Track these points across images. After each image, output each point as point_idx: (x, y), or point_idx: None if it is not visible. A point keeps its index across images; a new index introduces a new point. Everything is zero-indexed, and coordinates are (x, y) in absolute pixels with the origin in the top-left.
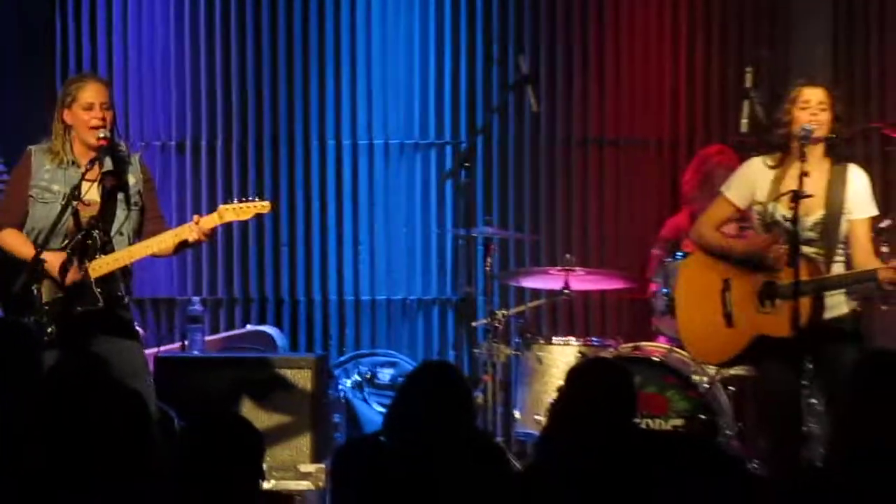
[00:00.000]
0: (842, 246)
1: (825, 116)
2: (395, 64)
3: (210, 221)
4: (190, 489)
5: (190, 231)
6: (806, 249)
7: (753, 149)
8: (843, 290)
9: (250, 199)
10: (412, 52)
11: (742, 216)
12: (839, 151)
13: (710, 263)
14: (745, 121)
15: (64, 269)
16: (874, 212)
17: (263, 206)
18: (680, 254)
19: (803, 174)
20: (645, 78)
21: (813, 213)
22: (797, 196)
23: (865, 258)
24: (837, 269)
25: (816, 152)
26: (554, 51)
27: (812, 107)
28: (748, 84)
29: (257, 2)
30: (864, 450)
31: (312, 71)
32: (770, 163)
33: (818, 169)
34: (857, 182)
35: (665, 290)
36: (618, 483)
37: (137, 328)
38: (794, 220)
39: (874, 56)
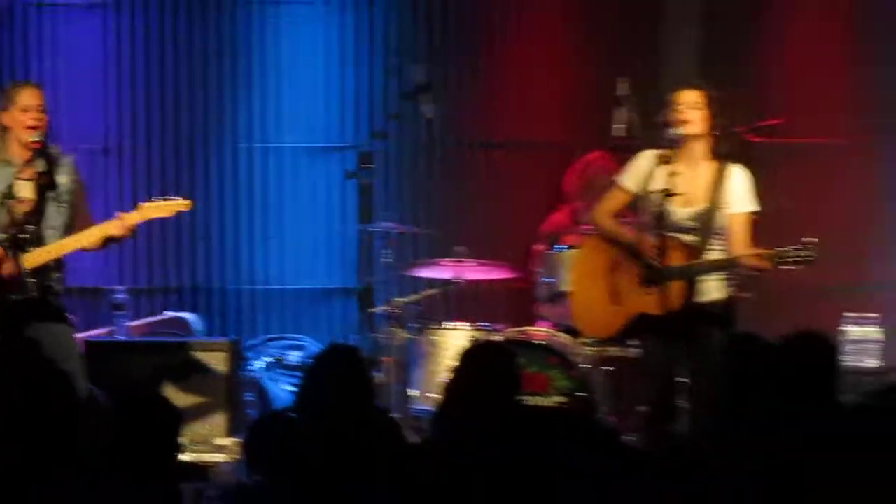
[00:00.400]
0: (719, 236)
1: (697, 115)
2: (302, 74)
3: (133, 218)
4: (113, 461)
5: (115, 227)
6: (685, 237)
7: (629, 151)
8: (717, 277)
9: (171, 197)
10: (318, 64)
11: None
12: (721, 150)
13: (602, 247)
14: (619, 126)
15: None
16: (753, 207)
17: (184, 203)
18: (560, 247)
19: (672, 173)
20: (530, 86)
21: (694, 205)
22: (667, 193)
23: (740, 248)
24: (713, 256)
25: (699, 151)
26: (447, 61)
27: (682, 109)
28: (623, 92)
29: (177, 15)
30: (729, 424)
31: (227, 81)
32: (661, 158)
33: (702, 166)
34: (738, 179)
35: (547, 280)
36: (504, 455)
37: (69, 315)
38: (661, 216)
39: (741, 68)
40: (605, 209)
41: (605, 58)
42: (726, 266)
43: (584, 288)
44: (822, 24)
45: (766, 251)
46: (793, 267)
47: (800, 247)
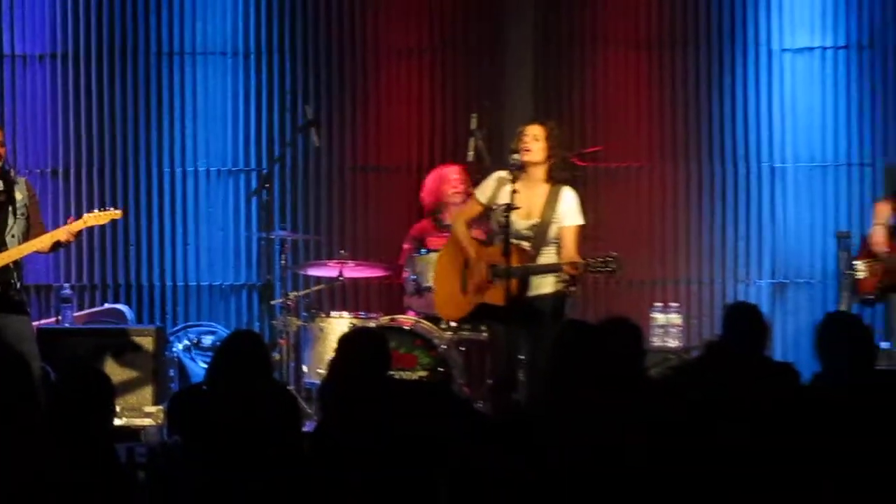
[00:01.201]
0: (553, 244)
1: (536, 146)
2: (216, 111)
3: (77, 226)
4: (59, 424)
5: (62, 233)
6: (523, 244)
7: (478, 173)
8: (545, 275)
9: (106, 209)
10: (227, 103)
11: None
12: (555, 175)
13: (458, 248)
14: (470, 153)
15: None
16: (580, 221)
17: (116, 213)
18: (424, 250)
19: (514, 192)
20: (398, 120)
21: (531, 218)
22: (509, 208)
23: (568, 255)
24: (545, 259)
25: (537, 175)
26: (331, 100)
27: (527, 139)
28: (473, 126)
29: (113, 64)
30: (558, 393)
31: (154, 117)
32: (507, 177)
33: (539, 187)
34: (568, 199)
35: (413, 277)
36: (380, 419)
37: (26, 307)
38: (507, 224)
39: (566, 105)
40: (463, 217)
41: (460, 98)
42: (551, 270)
43: (443, 280)
44: (628, 71)
45: (579, 261)
46: (600, 273)
47: (604, 260)
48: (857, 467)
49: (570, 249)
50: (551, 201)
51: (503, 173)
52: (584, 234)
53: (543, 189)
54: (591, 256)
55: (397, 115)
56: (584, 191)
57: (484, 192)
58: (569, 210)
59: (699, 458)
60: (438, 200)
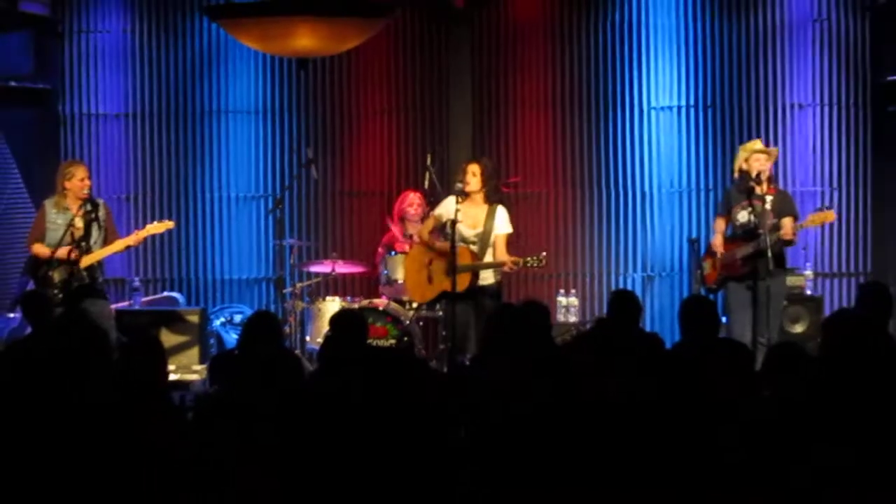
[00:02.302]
0: (491, 247)
1: (474, 179)
2: (244, 154)
3: (142, 233)
4: (127, 376)
5: (131, 240)
6: (471, 247)
7: (432, 196)
8: (491, 271)
9: (162, 220)
10: (252, 147)
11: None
12: (491, 197)
13: (423, 251)
14: (426, 182)
15: (68, 260)
16: (509, 230)
17: (170, 223)
18: (393, 252)
19: (457, 210)
20: (373, 157)
21: (476, 228)
22: (453, 223)
23: (500, 255)
24: (487, 258)
25: (479, 198)
26: (325, 145)
27: (468, 172)
28: (428, 162)
29: (170, 122)
30: (491, 353)
31: (198, 157)
32: (458, 200)
33: (480, 207)
34: (499, 214)
35: (385, 272)
36: (365, 374)
37: (106, 294)
38: (453, 234)
39: (496, 148)
40: (426, 228)
41: (418, 142)
42: (497, 265)
43: (413, 274)
44: (539, 123)
45: (517, 258)
46: (534, 267)
47: (535, 257)
48: (708, 412)
49: (502, 250)
50: (489, 216)
51: (453, 197)
52: (510, 240)
53: (483, 208)
54: (529, 255)
55: (373, 154)
56: (508, 210)
57: (441, 211)
58: (501, 222)
59: (590, 406)
60: (402, 215)
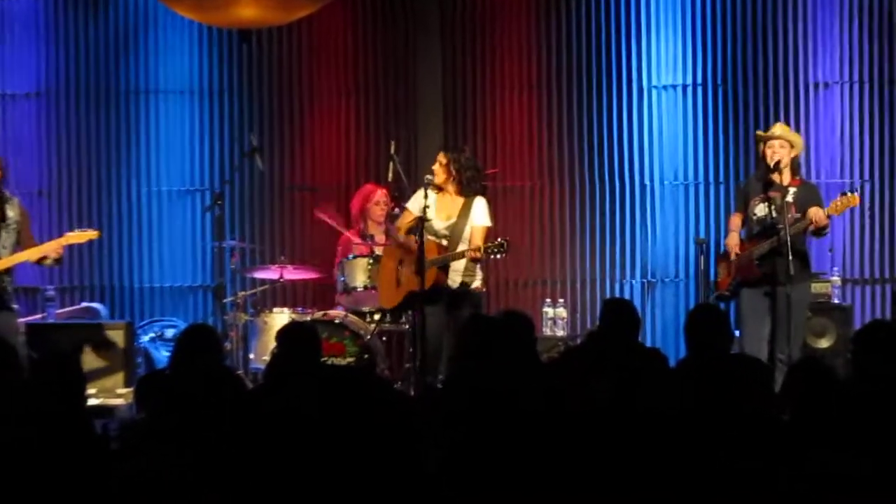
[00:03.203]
0: (466, 241)
1: (441, 169)
2: (176, 140)
3: (59, 242)
4: (37, 400)
5: (48, 248)
6: (442, 241)
7: (396, 191)
8: (471, 274)
9: (85, 229)
10: (185, 133)
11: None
12: (467, 188)
13: (394, 250)
14: (390, 174)
15: None
16: (488, 223)
17: (93, 234)
18: (351, 255)
19: (426, 206)
20: (328, 147)
21: (448, 220)
22: (421, 219)
23: (473, 246)
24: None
25: (452, 189)
26: (273, 130)
27: (437, 164)
28: (392, 151)
29: (89, 103)
30: (465, 372)
31: (123, 145)
32: (427, 192)
33: (455, 198)
34: (478, 205)
35: (342, 278)
36: (313, 397)
37: (15, 305)
38: (421, 228)
39: (471, 136)
40: (400, 225)
41: (381, 128)
42: (457, 256)
43: (383, 275)
44: (521, 107)
45: (477, 246)
46: (497, 256)
47: (495, 244)
48: (713, 431)
49: (477, 243)
50: (465, 208)
51: (422, 190)
52: (490, 235)
53: (458, 200)
54: (487, 243)
55: (328, 143)
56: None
57: (412, 205)
58: (479, 213)
59: (582, 421)
60: (363, 214)
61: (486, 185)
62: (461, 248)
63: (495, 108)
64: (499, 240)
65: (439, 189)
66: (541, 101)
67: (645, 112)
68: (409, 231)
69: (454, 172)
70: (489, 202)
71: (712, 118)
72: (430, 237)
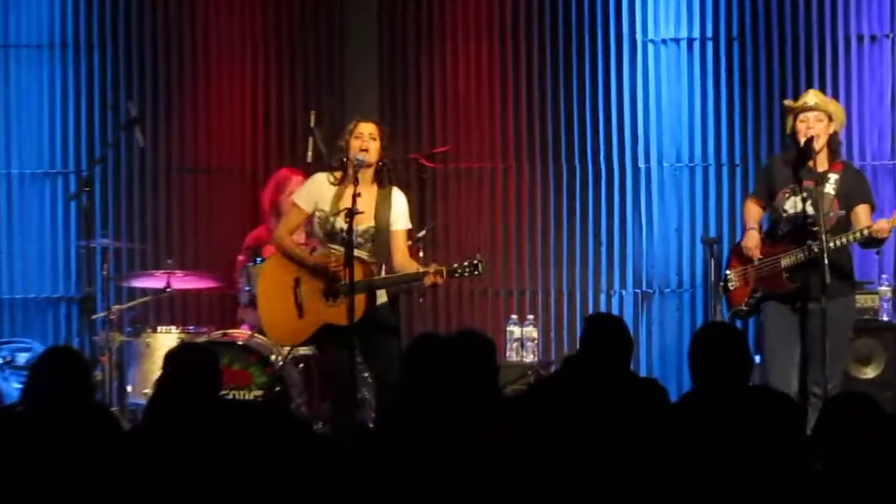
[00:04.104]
0: (385, 250)
1: (374, 146)
2: (29, 109)
3: None
4: None
5: None
6: (360, 253)
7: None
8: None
9: None
10: (43, 99)
11: (311, 225)
12: (385, 176)
13: (285, 264)
14: (309, 153)
15: None
16: (409, 225)
17: None
18: (259, 259)
19: (356, 195)
20: (230, 118)
21: (363, 224)
22: (350, 213)
23: (403, 261)
24: (385, 270)
25: (367, 176)
26: (157, 97)
27: (364, 137)
28: (312, 123)
29: None
30: (409, 410)
31: None
32: (332, 180)
33: (368, 189)
34: (398, 201)
35: (247, 288)
36: (211, 442)
37: None
38: (349, 232)
39: (412, 101)
40: (286, 227)
41: (298, 92)
42: (411, 279)
43: (271, 301)
44: (480, 63)
45: (442, 267)
46: (466, 277)
47: (469, 262)
48: (727, 486)
49: (406, 255)
50: (384, 204)
51: (325, 174)
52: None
53: (373, 191)
54: (458, 262)
55: (230, 112)
56: (433, 194)
57: (306, 198)
58: (402, 213)
59: (557, 482)
60: (276, 207)
61: (424, 175)
62: (395, 260)
63: (446, 66)
64: (475, 258)
65: (341, 177)
66: (504, 56)
67: (639, 74)
68: (327, 234)
69: (383, 153)
70: (432, 190)
71: (725, 82)
72: (335, 248)
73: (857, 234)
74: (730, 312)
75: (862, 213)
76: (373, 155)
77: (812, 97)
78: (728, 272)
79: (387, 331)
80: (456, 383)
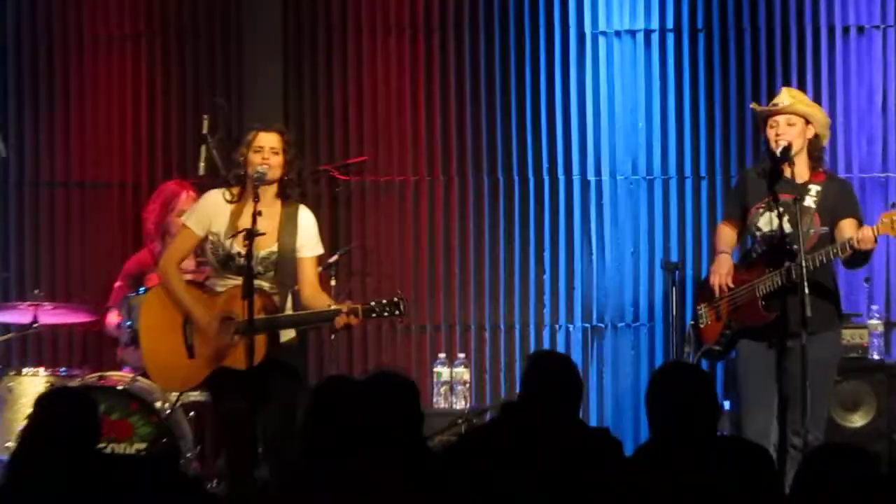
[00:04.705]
0: (290, 280)
1: (276, 160)
2: None
3: None
4: None
5: None
6: (261, 283)
7: (213, 189)
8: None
9: None
10: None
11: (202, 250)
12: (290, 192)
13: (173, 299)
14: (202, 164)
15: None
16: (321, 250)
17: None
18: (143, 288)
19: (256, 213)
20: (108, 124)
21: (264, 248)
22: (250, 234)
23: (313, 293)
24: (291, 302)
25: (269, 192)
26: (21, 99)
27: (265, 151)
28: (205, 130)
29: None
30: (315, 468)
31: None
32: (228, 197)
33: (271, 208)
34: (306, 222)
35: (128, 323)
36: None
37: None
38: (248, 257)
39: (323, 104)
40: (175, 255)
41: (189, 95)
42: (323, 319)
43: (156, 339)
44: (401, 62)
45: (357, 305)
46: (387, 317)
47: (389, 302)
48: None
49: (315, 286)
50: (289, 225)
51: (220, 191)
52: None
53: (276, 210)
54: (375, 301)
55: (107, 116)
56: (347, 212)
57: (197, 219)
58: (310, 237)
59: None
60: (162, 228)
61: (337, 189)
62: (304, 293)
63: (361, 65)
64: (396, 296)
65: (239, 194)
66: (430, 51)
67: (588, 71)
68: (222, 261)
69: (287, 166)
70: (343, 210)
71: (689, 82)
72: (231, 278)
73: (840, 248)
74: (698, 353)
75: (848, 228)
76: (276, 170)
77: (785, 97)
78: (698, 307)
79: (288, 377)
80: (371, 435)
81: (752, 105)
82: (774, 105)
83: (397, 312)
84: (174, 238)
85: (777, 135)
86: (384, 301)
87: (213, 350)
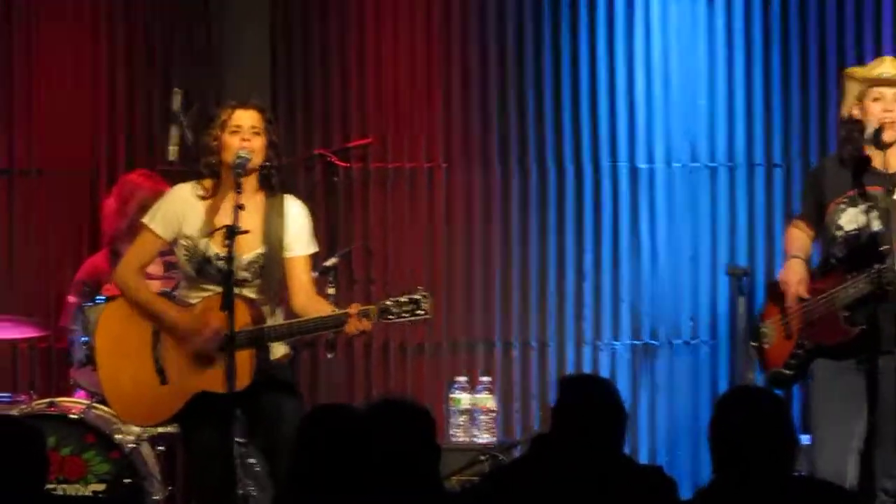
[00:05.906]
0: (287, 284)
1: (258, 142)
2: None
3: None
4: None
5: None
6: (245, 291)
7: (185, 178)
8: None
9: None
10: None
11: (171, 253)
12: (275, 181)
13: (139, 313)
14: (173, 147)
15: None
16: (315, 248)
17: None
18: (101, 298)
19: (238, 207)
20: (61, 100)
21: (249, 250)
22: (231, 232)
23: (308, 300)
24: (280, 312)
25: (250, 182)
26: None
27: (244, 131)
28: (175, 106)
29: None
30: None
31: None
32: (200, 192)
33: (252, 201)
34: (296, 215)
35: (84, 339)
36: None
37: None
38: (230, 258)
39: (318, 80)
40: (135, 262)
41: (157, 68)
42: (329, 325)
43: (116, 365)
44: (414, 27)
45: (369, 307)
46: (405, 322)
47: (409, 298)
48: None
49: (310, 291)
50: (274, 220)
51: (190, 185)
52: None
53: (258, 203)
54: (391, 299)
55: (60, 92)
56: (348, 205)
57: (163, 221)
58: (300, 232)
59: None
60: (124, 227)
61: (335, 178)
62: (297, 300)
63: (364, 31)
64: (416, 292)
65: (213, 187)
66: (449, 13)
67: (638, 40)
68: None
69: (269, 150)
70: (343, 202)
71: (762, 51)
72: (210, 288)
73: None
74: (767, 373)
75: None
76: (258, 155)
77: (890, 66)
78: (762, 323)
79: (285, 392)
80: (375, 474)
81: (851, 70)
82: (881, 74)
83: (420, 312)
84: (135, 241)
85: (884, 110)
86: (402, 299)
87: (192, 370)
